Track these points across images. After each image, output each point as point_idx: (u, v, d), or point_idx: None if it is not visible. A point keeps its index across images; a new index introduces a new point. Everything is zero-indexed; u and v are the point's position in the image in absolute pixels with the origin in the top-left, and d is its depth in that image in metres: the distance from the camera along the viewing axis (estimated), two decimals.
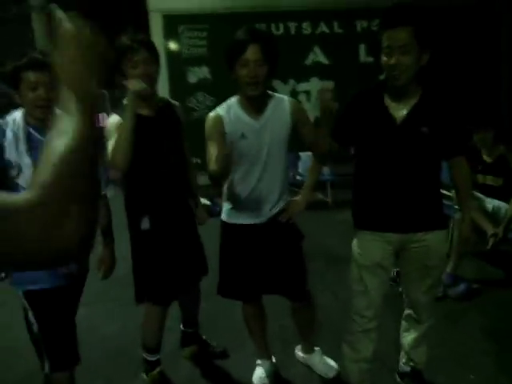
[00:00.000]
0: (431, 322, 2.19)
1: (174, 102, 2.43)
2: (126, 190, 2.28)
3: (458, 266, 3.40)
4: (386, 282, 2.12)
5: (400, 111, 1.87)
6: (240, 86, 2.02)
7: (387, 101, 1.90)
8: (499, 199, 3.42)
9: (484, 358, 2.51)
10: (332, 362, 2.48)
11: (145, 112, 2.15)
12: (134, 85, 2.00)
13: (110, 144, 2.03)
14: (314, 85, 6.24)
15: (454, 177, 2.06)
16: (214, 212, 5.87)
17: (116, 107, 2.24)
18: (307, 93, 6.26)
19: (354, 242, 2.08)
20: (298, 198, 2.26)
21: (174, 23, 5.80)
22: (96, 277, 2.15)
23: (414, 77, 1.82)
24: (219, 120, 2.05)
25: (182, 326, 2.71)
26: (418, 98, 1.87)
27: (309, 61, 6.26)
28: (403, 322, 2.27)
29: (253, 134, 2.06)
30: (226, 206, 2.21)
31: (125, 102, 2.21)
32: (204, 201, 6.14)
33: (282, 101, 2.14)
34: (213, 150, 1.97)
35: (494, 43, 6.30)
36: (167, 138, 2.25)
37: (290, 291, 2.29)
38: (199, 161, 5.77)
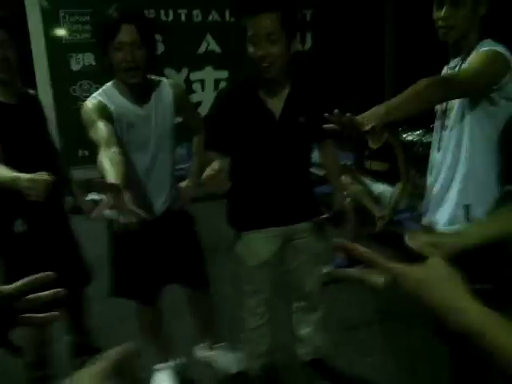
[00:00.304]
0: (323, 309, 2.23)
1: (31, 91, 2.20)
2: None
3: None
4: (276, 277, 2.11)
5: (276, 104, 1.82)
6: (116, 72, 1.82)
7: (262, 95, 1.81)
8: (386, 183, 3.62)
9: (380, 339, 2.63)
10: (235, 356, 2.43)
11: (3, 98, 1.92)
12: None
13: None
14: (208, 73, 6.14)
15: (324, 159, 2.09)
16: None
17: None
18: (201, 82, 6.14)
19: (238, 245, 2.02)
20: (186, 183, 2.18)
21: (53, 6, 5.33)
22: None
23: (284, 68, 1.75)
24: (104, 106, 1.81)
25: (69, 337, 2.49)
26: (290, 88, 1.82)
27: (202, 49, 6.13)
28: (295, 316, 2.27)
29: (139, 122, 1.90)
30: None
31: None
32: (93, 195, 5.84)
33: (163, 85, 1.99)
34: (102, 133, 1.67)
35: (378, 32, 6.68)
36: (31, 126, 2.03)
37: (188, 278, 2.20)
38: (86, 153, 5.49)
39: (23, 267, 1.98)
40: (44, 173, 1.62)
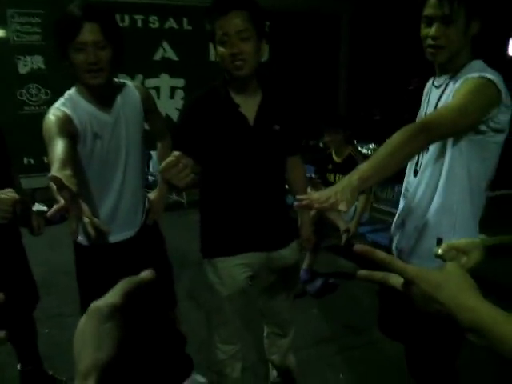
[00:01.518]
0: (293, 331, 2.15)
1: None
2: None
3: (313, 261, 3.53)
4: (248, 304, 2.00)
5: (250, 110, 1.73)
6: (78, 75, 1.66)
7: (235, 98, 1.73)
8: None
9: (349, 353, 2.60)
10: (201, 379, 2.31)
11: None
12: None
13: None
14: (163, 81, 6.02)
15: (292, 176, 1.97)
16: (54, 219, 5.28)
17: None
18: (157, 89, 6.00)
19: (209, 272, 1.86)
20: (155, 194, 2.05)
21: (0, 5, 5.04)
22: None
23: (255, 72, 1.69)
24: (67, 120, 1.64)
25: (18, 366, 2.27)
26: (262, 95, 1.76)
27: (157, 56, 6.00)
28: (266, 341, 2.17)
29: (107, 131, 1.75)
30: (80, 223, 1.84)
31: None
32: (39, 206, 5.51)
33: (129, 88, 1.86)
34: (57, 152, 1.44)
35: (333, 48, 6.80)
36: None
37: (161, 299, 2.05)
38: (32, 161, 5.18)
39: None
40: (10, 190, 1.44)
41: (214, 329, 1.93)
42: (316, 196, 1.18)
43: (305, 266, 3.50)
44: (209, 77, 1.86)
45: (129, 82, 1.90)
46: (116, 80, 1.86)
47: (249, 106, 1.73)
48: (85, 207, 1.24)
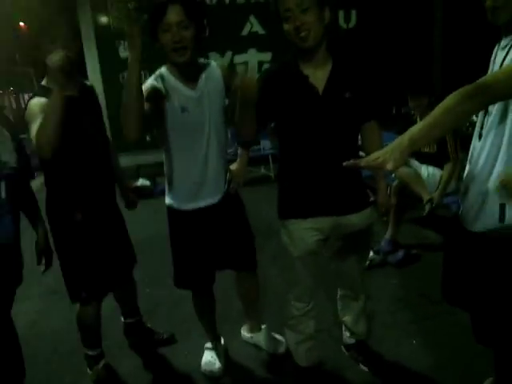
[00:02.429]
0: (366, 295, 2.23)
1: (88, 82, 2.27)
2: (50, 177, 2.09)
3: (396, 232, 3.51)
4: (320, 265, 2.10)
5: (319, 80, 1.79)
6: (167, 54, 1.85)
7: (304, 70, 1.79)
8: (434, 166, 3.52)
9: (424, 322, 2.61)
10: (280, 337, 2.48)
11: (68, 92, 1.92)
12: (54, 59, 1.77)
13: (34, 128, 1.83)
14: (251, 56, 6.13)
15: (367, 141, 1.99)
16: (155, 192, 5.74)
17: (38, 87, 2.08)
18: (245, 64, 6.14)
19: (283, 232, 1.99)
20: (236, 166, 2.18)
21: None
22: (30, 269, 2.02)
23: (322, 40, 1.74)
24: (156, 91, 1.85)
25: (122, 318, 2.63)
26: (332, 64, 1.80)
27: (245, 31, 6.11)
28: (339, 302, 2.29)
29: (193, 106, 1.93)
30: (173, 191, 2.06)
31: (44, 82, 2.03)
32: (143, 181, 6.01)
33: (212, 67, 2.03)
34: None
35: (426, 12, 6.40)
36: (92, 119, 2.11)
37: (240, 262, 2.25)
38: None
39: (81, 253, 2.11)
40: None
41: (289, 287, 2.08)
42: (367, 158, 1.24)
43: (387, 236, 3.49)
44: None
45: (213, 63, 2.06)
46: (201, 60, 2.03)
47: (318, 76, 1.79)
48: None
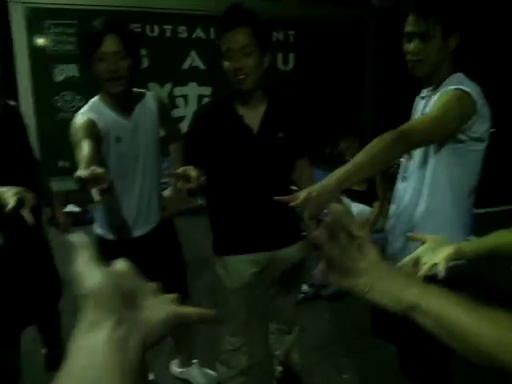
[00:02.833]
0: (299, 328, 2.24)
1: (12, 102, 2.16)
2: None
3: None
4: (254, 299, 2.09)
5: (253, 120, 1.82)
6: (101, 83, 1.83)
7: (239, 110, 1.83)
8: (364, 203, 3.68)
9: (355, 356, 2.66)
10: (212, 373, 2.42)
11: None
12: None
13: None
14: (191, 89, 6.18)
15: (299, 177, 2.03)
16: (85, 220, 5.51)
17: None
18: (185, 97, 6.17)
19: (218, 265, 1.99)
20: (170, 193, 2.18)
21: (38, 17, 5.30)
22: None
23: (260, 82, 1.78)
24: (92, 124, 1.80)
25: (44, 350, 2.45)
26: (267, 104, 1.85)
27: (186, 65, 6.17)
28: (272, 336, 2.28)
29: (128, 136, 1.91)
30: (105, 219, 1.99)
31: None
32: (72, 207, 5.76)
33: (146, 96, 2.03)
34: (84, 153, 1.63)
35: (359, 56, 6.82)
36: (13, 138, 1.99)
37: (171, 292, 2.17)
38: (67, 164, 5.43)
39: (3, 284, 1.94)
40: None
41: (222, 321, 2.05)
42: (296, 195, 1.27)
43: None
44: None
45: (147, 92, 2.06)
46: (135, 90, 2.01)
47: (253, 116, 1.82)
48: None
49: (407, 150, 1.49)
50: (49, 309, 2.28)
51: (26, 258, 2.02)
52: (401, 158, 1.62)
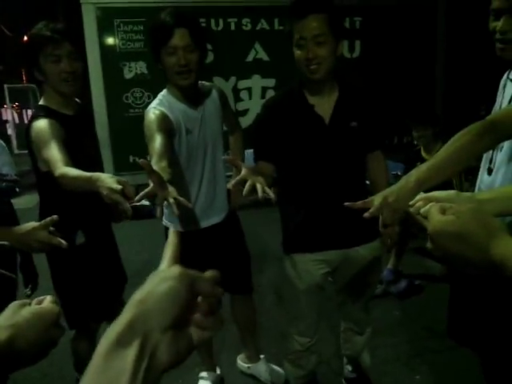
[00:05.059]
0: (371, 330, 2.13)
1: (79, 100, 2.16)
2: (47, 198, 1.98)
3: (398, 262, 3.44)
4: (324, 299, 2.01)
5: (325, 109, 1.74)
6: (170, 77, 1.84)
7: (310, 100, 1.74)
8: None
9: (429, 357, 2.53)
10: (279, 370, 2.39)
11: (65, 111, 1.91)
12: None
13: (49, 154, 1.68)
14: (255, 82, 6.17)
15: (372, 171, 1.91)
16: (152, 214, 5.69)
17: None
18: (248, 90, 6.18)
19: (288, 265, 1.90)
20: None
21: (108, 16, 5.51)
22: None
23: (332, 70, 1.69)
24: (164, 117, 1.81)
25: None
26: (338, 93, 1.76)
27: (250, 58, 6.17)
28: (342, 335, 2.19)
29: (197, 127, 1.93)
30: (175, 213, 2.00)
31: (41, 102, 1.95)
32: (142, 201, 5.97)
33: (210, 88, 2.04)
34: (156, 146, 1.63)
35: (429, 42, 6.48)
36: (87, 136, 2.04)
37: (236, 284, 2.17)
38: (137, 159, 5.61)
39: (79, 279, 2.00)
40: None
41: (291, 320, 2.00)
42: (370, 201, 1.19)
43: (390, 266, 3.42)
44: (299, 75, 1.91)
45: (209, 84, 2.07)
46: (202, 82, 2.03)
47: (324, 105, 1.75)
48: (171, 189, 1.33)
49: (497, 141, 1.33)
50: (119, 302, 2.34)
51: (99, 253, 2.06)
52: (488, 151, 1.46)
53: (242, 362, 2.49)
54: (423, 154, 3.54)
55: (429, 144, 3.49)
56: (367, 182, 1.97)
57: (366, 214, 1.24)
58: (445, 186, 3.36)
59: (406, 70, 6.36)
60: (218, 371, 2.38)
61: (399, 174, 3.60)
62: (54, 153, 1.68)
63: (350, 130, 1.76)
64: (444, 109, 6.41)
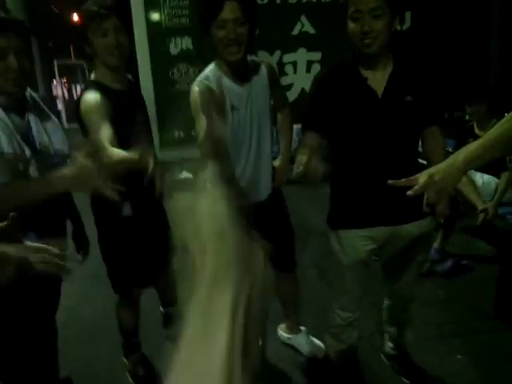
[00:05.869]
0: (413, 308, 2.10)
1: (129, 76, 2.22)
2: None
3: (445, 241, 3.35)
4: (369, 275, 1.98)
5: (378, 82, 1.69)
6: (218, 51, 1.82)
7: (363, 73, 1.70)
8: (489, 174, 3.34)
9: (471, 337, 2.47)
10: (319, 343, 2.41)
11: (116, 86, 1.94)
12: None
13: (94, 123, 1.75)
14: (301, 55, 6.06)
15: (429, 148, 1.84)
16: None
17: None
18: (293, 64, 6.08)
19: (334, 240, 1.90)
20: (279, 162, 2.15)
21: None
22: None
23: (386, 44, 1.64)
24: (211, 92, 1.81)
25: (161, 307, 2.62)
26: (392, 67, 1.70)
27: (295, 31, 6.05)
28: (385, 313, 2.17)
29: (243, 104, 1.91)
30: None
31: (93, 77, 2.00)
32: (187, 175, 6.09)
33: (258, 64, 2.01)
34: (202, 122, 1.66)
35: (484, 15, 6.13)
36: (138, 112, 2.07)
37: (280, 261, 2.17)
38: (182, 134, 5.70)
39: (126, 247, 2.08)
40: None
41: (334, 295, 2.01)
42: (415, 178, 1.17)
43: (436, 245, 3.34)
44: (346, 49, 1.85)
45: (257, 59, 2.04)
46: (251, 58, 2.00)
47: (378, 78, 1.70)
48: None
49: None
50: (165, 267, 2.41)
51: (147, 223, 2.12)
52: None
53: (283, 333, 2.53)
54: (476, 130, 3.39)
55: (482, 120, 3.34)
56: (420, 161, 1.90)
57: (410, 192, 1.22)
58: (497, 163, 3.24)
59: (459, 44, 6.06)
60: (259, 342, 2.43)
61: (450, 150, 3.47)
62: (101, 131, 1.72)
63: (404, 104, 1.70)
64: (498, 85, 6.08)
